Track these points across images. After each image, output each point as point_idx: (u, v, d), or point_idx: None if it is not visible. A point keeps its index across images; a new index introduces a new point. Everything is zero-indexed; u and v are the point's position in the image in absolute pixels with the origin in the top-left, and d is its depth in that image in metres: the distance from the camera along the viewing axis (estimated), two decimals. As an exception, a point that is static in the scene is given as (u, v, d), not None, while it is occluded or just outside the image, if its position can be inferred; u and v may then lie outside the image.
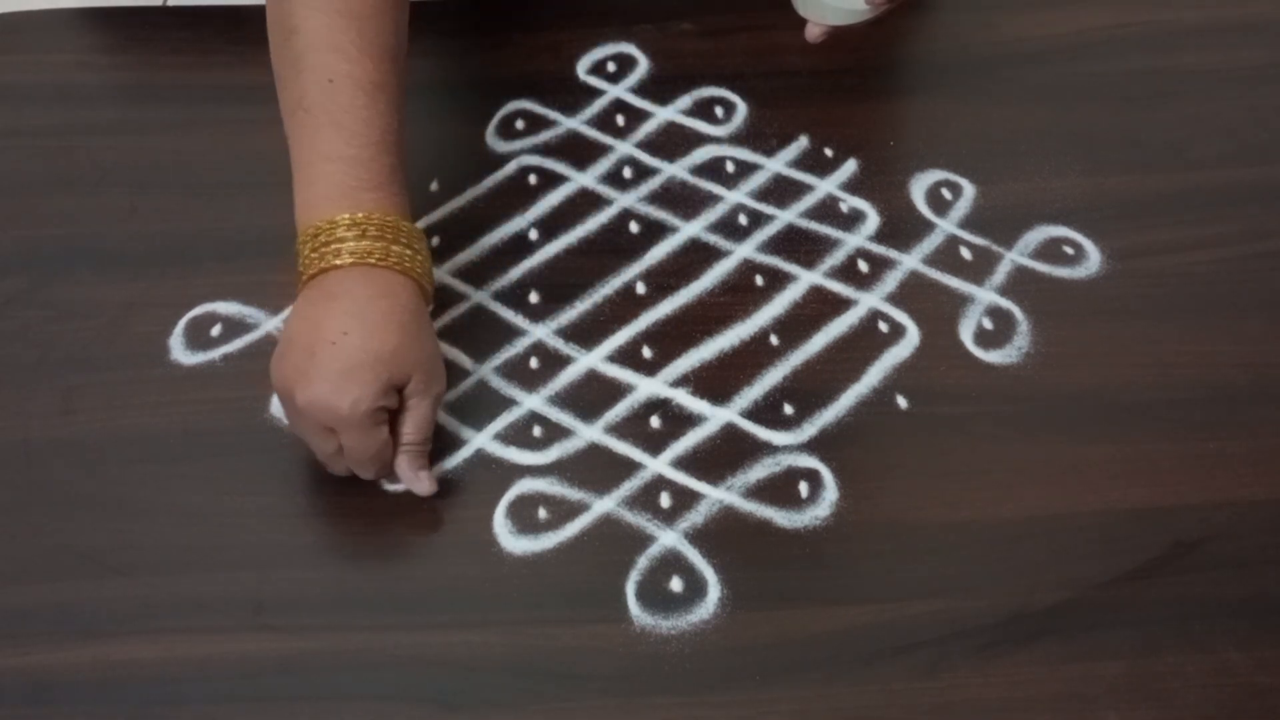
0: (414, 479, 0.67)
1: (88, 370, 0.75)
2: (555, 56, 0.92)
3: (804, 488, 0.68)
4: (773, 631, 0.63)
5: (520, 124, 0.88)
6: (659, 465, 0.69)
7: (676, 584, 0.65)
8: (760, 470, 0.69)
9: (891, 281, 0.78)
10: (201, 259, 0.80)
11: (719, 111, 0.88)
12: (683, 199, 0.83)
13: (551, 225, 0.81)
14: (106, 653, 0.63)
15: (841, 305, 0.77)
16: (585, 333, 0.76)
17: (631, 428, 0.71)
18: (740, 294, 0.77)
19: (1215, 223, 0.80)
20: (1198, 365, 0.73)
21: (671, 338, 0.75)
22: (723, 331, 0.75)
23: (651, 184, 0.84)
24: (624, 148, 0.86)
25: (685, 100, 0.88)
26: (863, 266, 0.79)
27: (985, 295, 0.77)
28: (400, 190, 0.70)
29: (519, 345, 0.75)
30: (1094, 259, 0.79)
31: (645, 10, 0.94)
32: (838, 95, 0.88)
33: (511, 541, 0.67)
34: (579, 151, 0.86)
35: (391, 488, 0.69)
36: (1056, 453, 0.70)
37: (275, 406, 0.72)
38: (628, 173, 0.85)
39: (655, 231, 0.81)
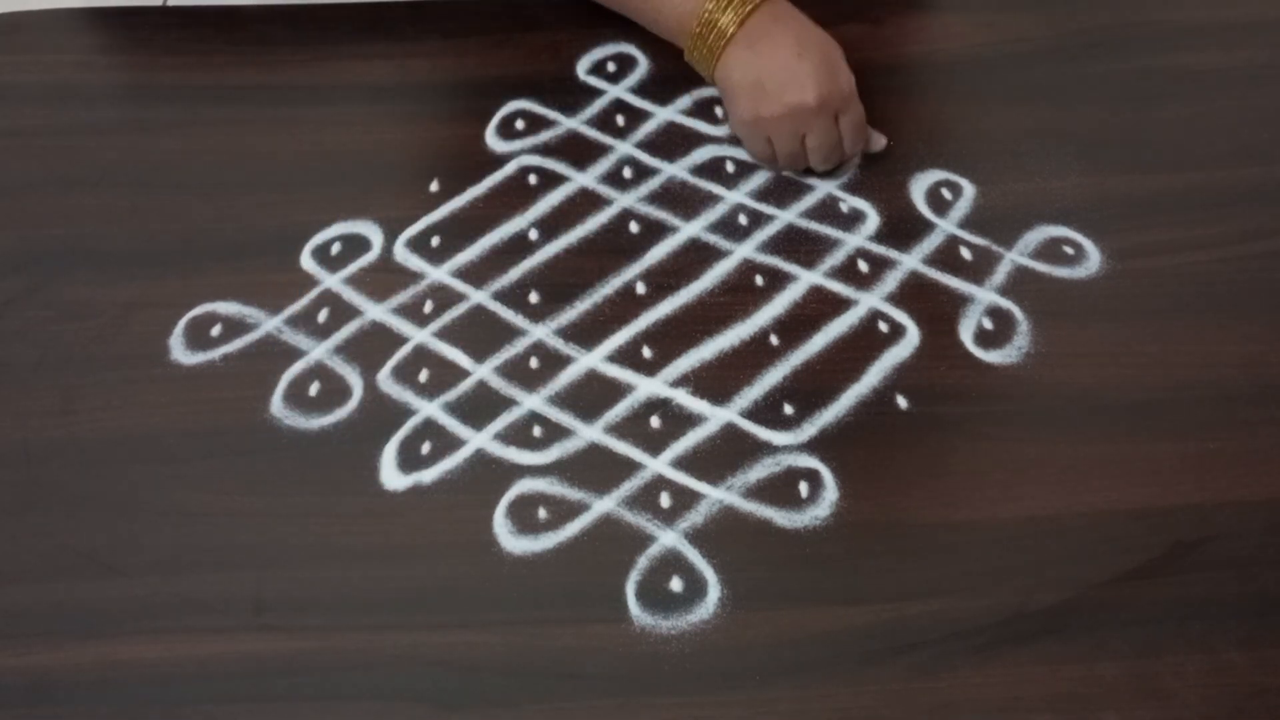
0: (876, 140, 0.83)
1: (88, 370, 0.75)
2: (555, 56, 0.92)
3: (804, 488, 0.68)
4: (773, 631, 0.63)
5: (520, 124, 0.88)
6: (659, 465, 0.70)
7: (676, 584, 0.65)
8: (760, 470, 0.69)
9: (891, 281, 0.78)
10: (201, 259, 0.80)
11: (719, 111, 0.88)
12: (683, 199, 0.83)
13: (551, 225, 0.82)
14: (106, 653, 0.63)
15: (841, 305, 0.77)
16: (585, 333, 0.76)
17: (631, 428, 0.71)
18: (740, 294, 0.77)
19: (1215, 223, 0.80)
20: (1198, 365, 0.73)
21: (671, 338, 0.75)
22: (723, 331, 0.75)
23: (651, 184, 0.84)
24: (624, 148, 0.86)
25: (685, 100, 0.88)
26: (863, 266, 0.79)
27: (985, 295, 0.77)
28: None
29: (519, 345, 0.75)
30: (1094, 259, 0.79)
31: (645, 10, 0.94)
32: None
33: (511, 541, 0.67)
34: (579, 151, 0.86)
35: (392, 487, 0.69)
36: (1056, 453, 0.70)
37: (275, 406, 0.72)
38: (628, 173, 0.84)
39: (655, 231, 0.81)
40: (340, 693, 0.62)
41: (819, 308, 0.77)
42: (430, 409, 0.72)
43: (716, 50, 0.80)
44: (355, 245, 0.81)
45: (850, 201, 0.82)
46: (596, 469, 0.69)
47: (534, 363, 0.74)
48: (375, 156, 0.86)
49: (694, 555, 0.66)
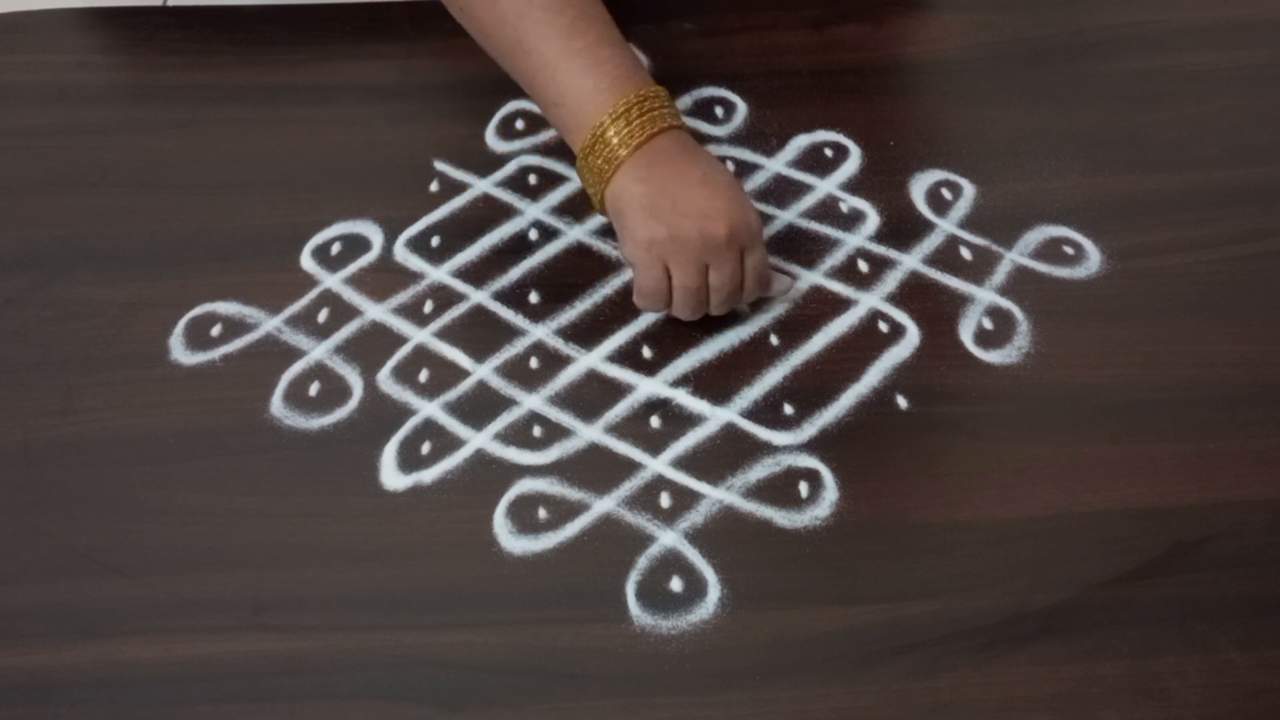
0: (779, 282, 0.75)
1: (88, 370, 0.75)
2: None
3: (804, 488, 0.68)
4: (772, 631, 0.63)
5: (520, 124, 0.88)
6: (659, 465, 0.70)
7: (676, 584, 0.65)
8: (760, 470, 0.69)
9: (891, 281, 0.78)
10: (201, 259, 0.80)
11: (719, 111, 0.88)
12: (683, 199, 0.83)
13: (551, 225, 0.82)
14: (106, 653, 0.63)
15: (841, 305, 0.77)
16: (585, 333, 0.76)
17: (631, 428, 0.71)
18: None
19: (1215, 223, 0.80)
20: (1198, 365, 0.73)
21: (671, 338, 0.75)
22: (723, 331, 0.75)
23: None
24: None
25: (685, 100, 0.88)
26: (863, 266, 0.79)
27: (985, 295, 0.77)
28: (639, 64, 0.76)
29: (519, 345, 0.75)
30: (1094, 259, 0.79)
31: (645, 10, 0.94)
32: (838, 95, 0.88)
33: (511, 541, 0.67)
34: (579, 151, 0.86)
35: (392, 487, 0.69)
36: (1056, 453, 0.70)
37: (275, 406, 0.72)
38: (628, 173, 0.84)
39: (655, 231, 0.81)
40: (340, 693, 0.62)
41: (819, 308, 0.77)
42: (430, 409, 0.72)
43: (607, 172, 0.71)
44: (355, 245, 0.81)
45: (850, 201, 0.82)
46: (596, 469, 0.69)
47: (534, 363, 0.74)
48: (375, 156, 0.86)
49: (694, 555, 0.66)
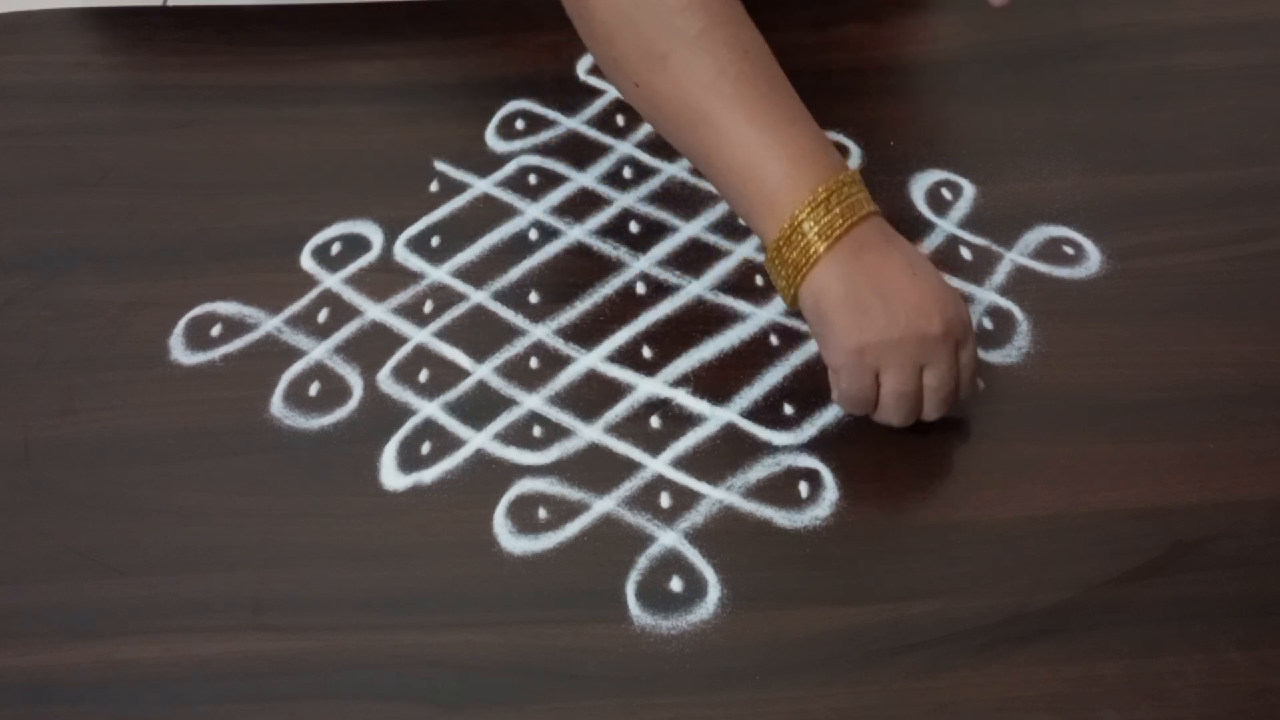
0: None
1: (88, 370, 0.75)
2: (555, 56, 0.92)
3: (804, 488, 0.68)
4: (773, 631, 0.63)
5: (520, 124, 0.88)
6: (659, 465, 0.69)
7: (676, 584, 0.65)
8: (760, 470, 0.69)
9: (891, 281, 0.78)
10: (201, 259, 0.80)
11: (719, 111, 0.88)
12: (683, 199, 0.83)
13: (551, 225, 0.82)
14: (106, 653, 0.63)
15: (841, 305, 0.77)
16: (585, 333, 0.76)
17: (631, 428, 0.71)
18: (740, 294, 0.77)
19: (1215, 223, 0.80)
20: (1197, 365, 0.73)
21: (671, 338, 0.75)
22: (723, 331, 0.75)
23: (651, 184, 0.84)
24: (624, 148, 0.86)
25: (685, 100, 0.88)
26: (863, 266, 0.79)
27: (985, 295, 0.77)
28: (829, 144, 0.69)
29: (519, 345, 0.75)
30: (1094, 259, 0.79)
31: (645, 10, 0.94)
32: (838, 95, 0.88)
33: (511, 541, 0.67)
34: (579, 151, 0.86)
35: (392, 487, 0.69)
36: (1056, 453, 0.70)
37: (275, 406, 0.72)
38: (628, 173, 0.85)
39: (655, 231, 0.81)
40: (340, 693, 0.62)
41: (819, 308, 0.76)
42: (430, 409, 0.72)
43: (804, 266, 0.65)
44: (355, 245, 0.81)
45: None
46: (596, 469, 0.69)
47: (534, 363, 0.74)
48: (375, 156, 0.86)
49: (694, 555, 0.66)
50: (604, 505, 0.68)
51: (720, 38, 0.68)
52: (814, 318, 0.67)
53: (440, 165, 0.85)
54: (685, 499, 0.68)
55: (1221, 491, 0.68)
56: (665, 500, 0.68)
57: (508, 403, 0.73)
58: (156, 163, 0.86)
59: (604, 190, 0.84)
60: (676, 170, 0.84)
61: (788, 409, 0.72)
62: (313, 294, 0.78)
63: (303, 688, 0.62)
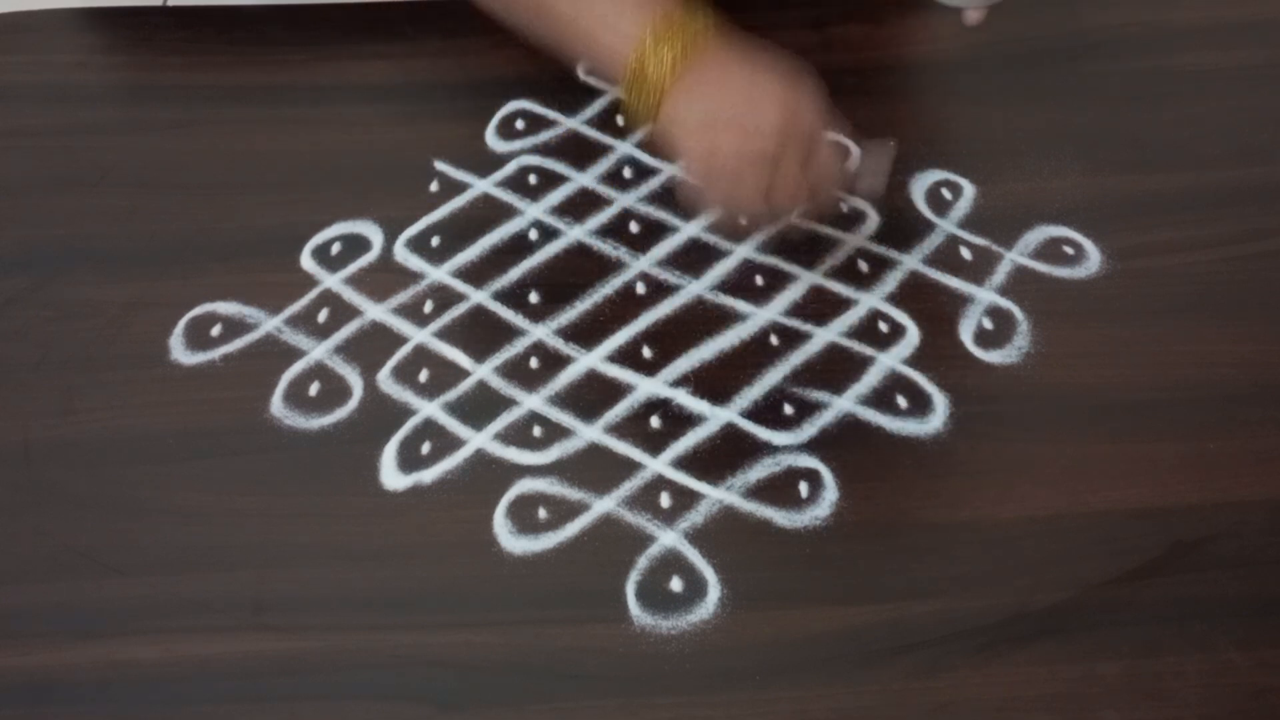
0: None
1: (88, 370, 0.75)
2: (555, 57, 0.92)
3: (804, 488, 0.68)
4: (773, 631, 0.63)
5: (520, 124, 0.88)
6: (659, 465, 0.69)
7: (676, 584, 0.65)
8: (760, 470, 0.69)
9: (891, 281, 0.78)
10: (201, 259, 0.80)
11: (719, 111, 0.88)
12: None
13: (551, 225, 0.82)
14: (106, 653, 0.63)
15: (841, 305, 0.77)
16: (585, 333, 0.76)
17: (631, 428, 0.71)
18: (740, 294, 0.77)
19: (1215, 223, 0.80)
20: (1198, 365, 0.73)
21: (671, 338, 0.75)
22: (723, 331, 0.75)
23: (651, 184, 0.84)
24: (624, 148, 0.86)
25: (685, 100, 0.88)
26: (863, 266, 0.79)
27: (985, 295, 0.77)
28: None
29: (519, 345, 0.75)
30: (1094, 259, 0.79)
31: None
32: (838, 95, 0.88)
33: (511, 541, 0.67)
34: (579, 151, 0.86)
35: (392, 487, 0.69)
36: (1056, 453, 0.70)
37: (275, 406, 0.72)
38: (628, 173, 0.85)
39: (655, 231, 0.81)
40: (340, 693, 0.62)
41: (819, 308, 0.76)
42: (430, 409, 0.72)
43: (653, 99, 0.70)
44: (355, 245, 0.81)
45: (850, 201, 0.82)
46: (596, 469, 0.69)
47: (534, 363, 0.74)
48: (375, 156, 0.86)
49: (694, 555, 0.66)
50: (604, 505, 0.68)
51: None
52: (671, 141, 0.72)
53: (440, 165, 0.85)
54: (685, 499, 0.68)
55: (1221, 491, 0.68)
56: (665, 500, 0.68)
57: (508, 403, 0.73)
58: (156, 163, 0.86)
59: (604, 190, 0.84)
60: (677, 170, 0.84)
61: (788, 409, 0.72)
62: (313, 294, 0.78)
63: (303, 688, 0.62)
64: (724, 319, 0.76)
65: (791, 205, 0.72)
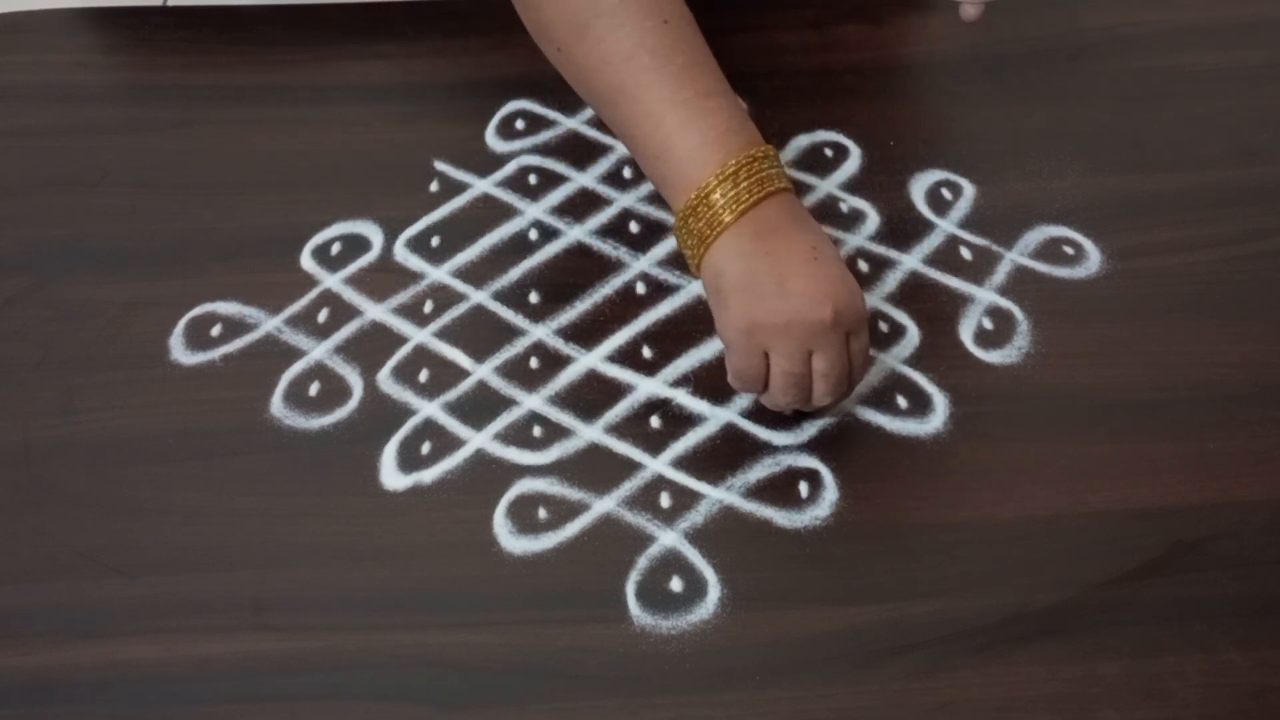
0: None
1: (88, 370, 0.75)
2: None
3: (804, 488, 0.68)
4: (773, 631, 0.63)
5: (520, 124, 0.88)
6: (659, 465, 0.69)
7: (676, 584, 0.65)
8: (760, 470, 0.69)
9: (891, 281, 0.78)
10: (201, 259, 0.80)
11: (719, 111, 0.88)
12: (683, 199, 0.83)
13: (551, 225, 0.82)
14: (106, 653, 0.63)
15: (841, 305, 0.77)
16: (585, 333, 0.76)
17: (631, 428, 0.71)
18: (740, 294, 0.77)
19: (1215, 223, 0.80)
20: (1198, 365, 0.73)
21: (671, 338, 0.75)
22: (723, 331, 0.75)
23: (651, 184, 0.84)
24: (624, 148, 0.86)
25: (685, 100, 0.88)
26: (863, 266, 0.79)
27: (985, 295, 0.77)
28: (748, 118, 0.69)
29: (519, 345, 0.75)
30: (1094, 259, 0.79)
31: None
32: (838, 95, 0.88)
33: (511, 541, 0.67)
34: (579, 151, 0.86)
35: (392, 487, 0.69)
36: (1056, 453, 0.70)
37: (275, 406, 0.72)
38: (627, 173, 0.85)
39: (655, 231, 0.81)
40: (340, 693, 0.62)
41: (819, 308, 0.76)
42: (430, 409, 0.72)
43: (709, 237, 0.65)
44: (355, 245, 0.81)
45: (850, 201, 0.82)
46: (596, 469, 0.69)
47: (534, 363, 0.74)
48: (375, 156, 0.86)
49: (694, 555, 0.66)
50: (604, 505, 0.68)
51: (640, 6, 0.68)
52: (712, 291, 0.67)
53: (440, 165, 0.85)
54: (685, 499, 0.68)
55: (1221, 491, 0.68)
56: (665, 500, 0.68)
57: (508, 403, 0.73)
58: (156, 163, 0.86)
59: (604, 190, 0.84)
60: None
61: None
62: (313, 294, 0.78)
63: (303, 688, 0.62)
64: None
65: (830, 394, 0.67)
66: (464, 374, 0.74)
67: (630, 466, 0.69)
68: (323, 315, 0.77)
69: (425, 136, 0.87)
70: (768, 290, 0.64)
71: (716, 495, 0.68)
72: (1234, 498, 0.67)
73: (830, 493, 0.68)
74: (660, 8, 0.69)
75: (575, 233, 0.81)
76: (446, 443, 0.71)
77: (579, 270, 0.79)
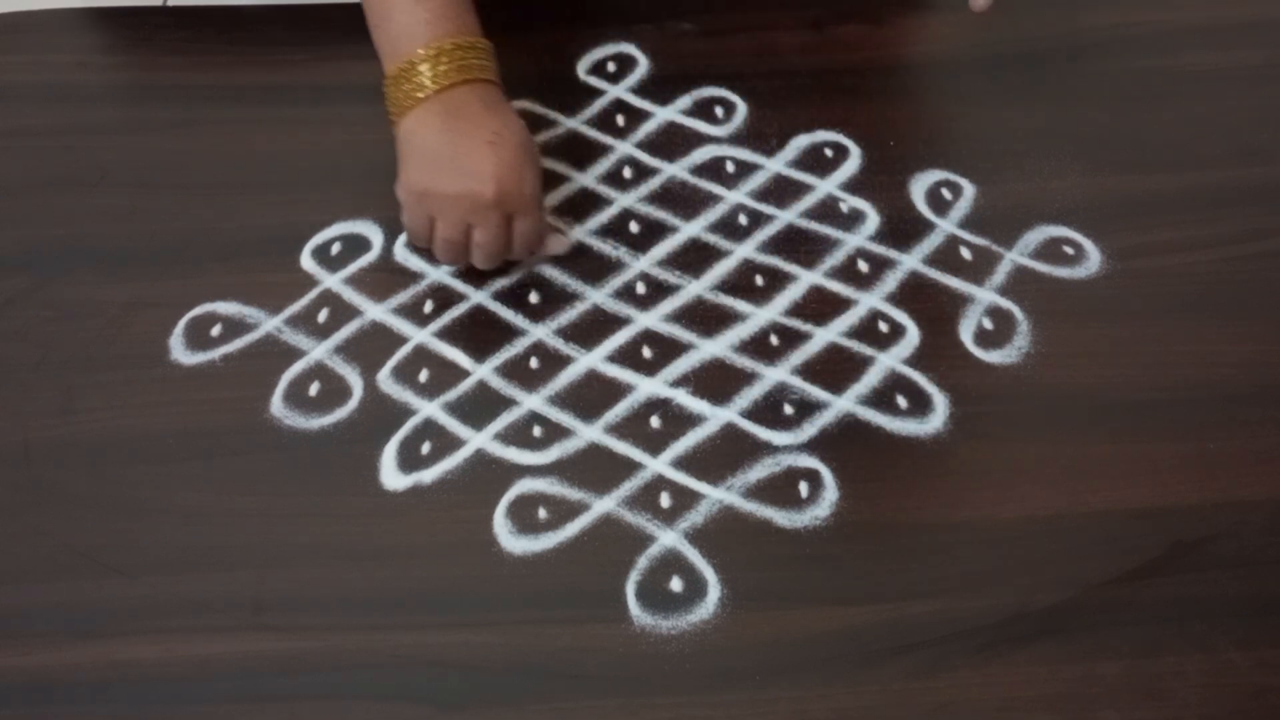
0: (554, 243, 0.78)
1: (88, 370, 0.75)
2: (555, 56, 0.92)
3: (804, 488, 0.68)
4: (772, 631, 0.63)
5: (520, 124, 0.88)
6: (659, 465, 0.70)
7: (676, 584, 0.65)
8: (760, 470, 0.69)
9: (891, 281, 0.78)
10: (201, 259, 0.80)
11: (719, 111, 0.88)
12: (683, 199, 0.83)
13: (551, 225, 0.81)
14: (106, 653, 0.63)
15: (841, 305, 0.77)
16: (585, 333, 0.76)
17: (631, 428, 0.71)
18: (740, 294, 0.77)
19: (1215, 223, 0.80)
20: (1198, 365, 0.73)
21: (671, 338, 0.75)
22: (723, 331, 0.75)
23: (651, 184, 0.84)
24: (624, 148, 0.86)
25: (685, 100, 0.88)
26: (863, 266, 0.79)
27: (985, 295, 0.77)
28: (471, 13, 0.77)
29: (519, 345, 0.75)
30: (1094, 259, 0.79)
31: (645, 10, 0.94)
32: (838, 95, 0.88)
33: (511, 541, 0.67)
34: (579, 151, 0.86)
35: (392, 487, 0.69)
36: (1056, 453, 0.70)
37: (275, 406, 0.72)
38: (628, 173, 0.85)
39: (655, 231, 0.81)
40: (340, 693, 0.62)
41: (819, 308, 0.76)
42: (430, 409, 0.72)
43: (408, 103, 0.74)
44: (355, 245, 0.81)
45: (850, 201, 0.82)
46: (596, 469, 0.69)
47: (534, 363, 0.74)
48: (375, 156, 0.85)
49: (694, 555, 0.66)
50: (604, 505, 0.68)
51: None
52: (401, 151, 0.75)
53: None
54: (685, 499, 0.68)
55: (1221, 491, 0.68)
56: (665, 500, 0.68)
57: (508, 403, 0.73)
58: (156, 163, 0.86)
59: (604, 190, 0.84)
60: (676, 170, 0.84)
61: (788, 409, 0.72)
62: (313, 294, 0.78)
63: (303, 688, 0.62)
64: (724, 319, 0.76)
65: (486, 262, 0.76)
66: (464, 374, 0.74)
67: (630, 466, 0.69)
68: (323, 315, 0.77)
69: (425, 136, 0.87)
70: (442, 164, 0.73)
71: (716, 495, 0.68)
72: (1234, 498, 0.68)
73: (830, 493, 0.68)
74: None
75: (575, 233, 0.81)
76: (446, 443, 0.71)
77: (579, 270, 0.79)
